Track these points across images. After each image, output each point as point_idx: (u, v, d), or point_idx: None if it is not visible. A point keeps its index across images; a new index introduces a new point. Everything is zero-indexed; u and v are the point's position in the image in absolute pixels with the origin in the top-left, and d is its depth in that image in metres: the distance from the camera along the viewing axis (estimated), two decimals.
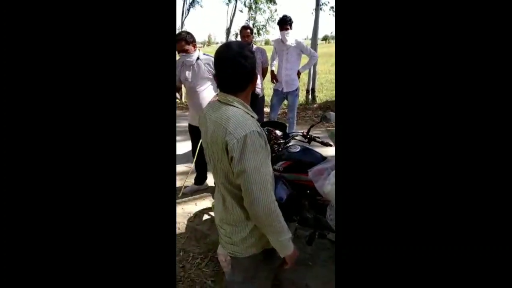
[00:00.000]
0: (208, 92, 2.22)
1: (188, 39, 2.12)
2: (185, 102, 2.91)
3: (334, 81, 8.21)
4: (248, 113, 0.89)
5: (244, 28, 2.97)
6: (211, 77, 2.15)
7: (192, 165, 2.54)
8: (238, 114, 0.86)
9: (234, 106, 0.88)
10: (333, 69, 10.11)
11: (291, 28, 3.02)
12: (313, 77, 6.02)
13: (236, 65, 0.85)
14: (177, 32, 2.21)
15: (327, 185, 1.28)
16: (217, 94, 0.97)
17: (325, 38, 79.27)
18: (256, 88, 3.02)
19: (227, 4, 8.75)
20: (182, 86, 2.39)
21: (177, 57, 2.22)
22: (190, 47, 2.13)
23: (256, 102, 3.03)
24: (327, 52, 15.34)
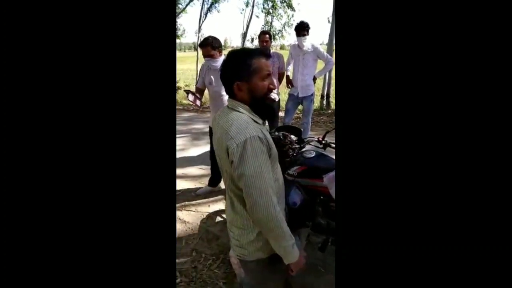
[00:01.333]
0: None
1: (214, 44, 2.18)
2: (202, 107, 2.93)
3: None
4: (252, 118, 0.90)
5: (263, 33, 2.99)
6: None
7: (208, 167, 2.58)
8: (241, 119, 0.88)
9: (238, 111, 0.91)
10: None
11: (308, 34, 3.03)
12: (328, 83, 5.99)
13: (221, 73, 0.94)
14: (202, 38, 2.27)
15: None
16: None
17: None
18: (273, 94, 3.03)
19: (241, 13, 8.88)
20: (206, 90, 2.44)
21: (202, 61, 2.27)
22: (215, 52, 2.19)
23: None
24: None
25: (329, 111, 5.76)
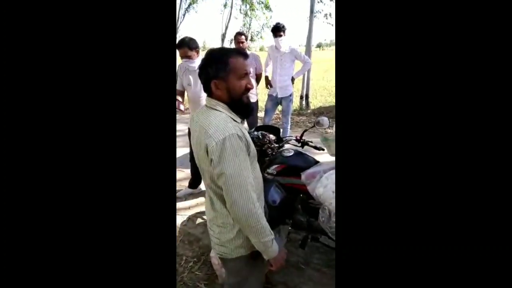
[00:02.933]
0: None
1: (191, 45, 2.15)
2: (186, 110, 2.88)
3: (327, 87, 8.31)
4: (230, 117, 0.91)
5: (239, 34, 3.00)
6: None
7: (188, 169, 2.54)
8: (220, 117, 0.89)
9: (217, 110, 0.91)
10: (326, 75, 10.22)
11: (284, 35, 3.07)
12: (307, 83, 6.09)
13: (199, 72, 0.94)
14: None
15: (319, 188, 1.30)
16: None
17: (319, 45, 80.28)
18: (251, 94, 3.05)
19: (220, 13, 8.87)
20: (185, 91, 2.41)
21: (179, 62, 2.23)
22: (193, 53, 2.16)
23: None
24: (321, 58, 15.53)
25: (308, 111, 5.86)
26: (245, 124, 3.14)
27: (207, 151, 0.86)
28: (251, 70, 3.02)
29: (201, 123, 0.91)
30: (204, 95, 0.95)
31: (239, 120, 0.95)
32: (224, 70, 0.90)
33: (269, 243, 0.90)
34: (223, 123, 0.87)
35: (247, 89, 0.94)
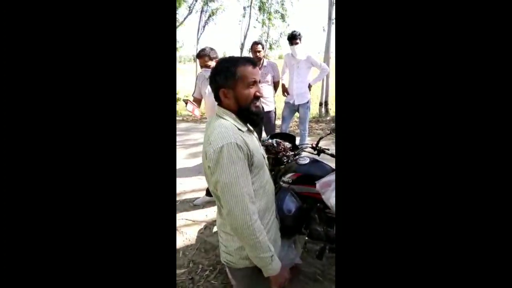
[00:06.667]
0: None
1: (211, 55, 2.22)
2: (200, 116, 2.95)
3: None
4: (235, 126, 0.91)
5: (255, 43, 3.04)
6: None
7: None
8: (223, 126, 0.89)
9: (223, 119, 0.92)
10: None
11: (300, 42, 3.07)
12: (326, 90, 6.03)
13: (209, 80, 0.97)
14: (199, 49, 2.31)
15: (334, 197, 1.26)
16: None
17: None
18: (268, 102, 3.05)
19: (239, 24, 9.04)
20: (202, 100, 2.46)
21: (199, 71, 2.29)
22: (212, 63, 2.22)
23: (267, 116, 3.07)
24: None
25: (328, 118, 5.78)
26: (263, 133, 3.14)
27: (206, 158, 0.87)
28: (269, 78, 3.03)
29: (207, 131, 0.93)
30: None
31: (245, 129, 0.94)
32: (232, 78, 0.91)
33: (267, 260, 0.87)
34: (224, 131, 0.87)
35: (256, 97, 0.94)
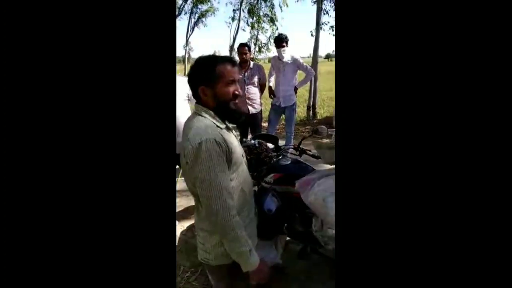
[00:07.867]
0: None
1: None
2: None
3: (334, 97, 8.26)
4: (214, 123, 0.92)
5: (242, 45, 3.05)
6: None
7: None
8: (202, 122, 0.90)
9: (202, 116, 0.93)
10: (334, 86, 10.16)
11: (287, 46, 3.11)
12: (313, 94, 6.11)
13: (188, 78, 0.96)
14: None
15: (311, 195, 1.28)
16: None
17: (327, 56, 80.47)
18: (254, 104, 3.07)
19: (228, 26, 9.08)
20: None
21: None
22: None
23: (253, 118, 3.08)
24: (330, 70, 15.55)
25: (315, 121, 5.85)
26: (249, 136, 3.14)
27: (184, 154, 0.87)
28: (256, 79, 3.05)
29: (185, 128, 0.92)
30: None
31: (223, 126, 0.95)
32: (211, 76, 0.91)
33: (246, 255, 0.88)
34: (203, 127, 0.88)
35: (235, 96, 0.94)
